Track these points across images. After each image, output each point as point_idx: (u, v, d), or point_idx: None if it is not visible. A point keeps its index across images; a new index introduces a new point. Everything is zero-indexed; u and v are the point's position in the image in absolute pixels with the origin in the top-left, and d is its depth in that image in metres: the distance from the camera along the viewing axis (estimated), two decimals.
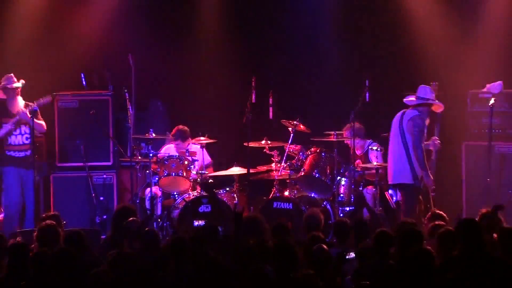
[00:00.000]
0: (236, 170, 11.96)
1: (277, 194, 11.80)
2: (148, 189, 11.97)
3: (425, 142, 11.00)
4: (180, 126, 12.42)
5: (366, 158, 12.08)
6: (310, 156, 11.87)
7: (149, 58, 13.41)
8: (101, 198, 12.23)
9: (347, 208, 11.65)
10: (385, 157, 11.77)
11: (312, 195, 11.88)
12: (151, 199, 11.69)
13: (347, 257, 7.84)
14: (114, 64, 13.06)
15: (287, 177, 11.84)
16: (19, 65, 12.56)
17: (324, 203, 11.68)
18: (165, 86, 13.78)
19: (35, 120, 11.69)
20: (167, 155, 12.04)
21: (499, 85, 12.21)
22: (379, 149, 11.85)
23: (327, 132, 12.01)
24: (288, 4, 13.75)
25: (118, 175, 12.54)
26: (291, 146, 12.01)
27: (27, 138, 11.74)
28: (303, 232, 9.21)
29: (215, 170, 12.41)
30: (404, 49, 13.18)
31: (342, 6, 13.50)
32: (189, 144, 12.38)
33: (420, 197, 10.97)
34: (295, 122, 11.97)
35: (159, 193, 12.07)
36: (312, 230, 8.72)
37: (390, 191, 11.76)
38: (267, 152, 12.10)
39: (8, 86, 11.79)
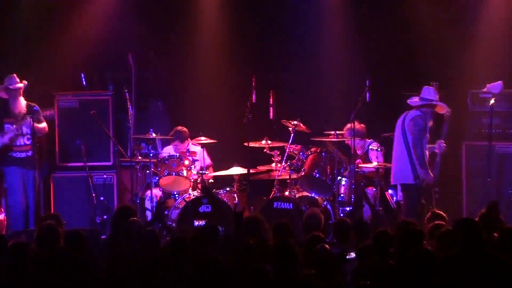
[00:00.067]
0: (236, 170, 11.96)
1: (278, 194, 11.80)
2: (149, 191, 11.97)
3: (431, 145, 11.00)
4: (179, 127, 12.43)
5: (366, 157, 12.08)
6: (310, 156, 11.87)
7: (149, 58, 13.41)
8: (101, 198, 12.23)
9: (348, 208, 11.65)
10: (385, 157, 11.79)
11: (313, 195, 11.89)
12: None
13: (347, 257, 7.84)
14: (114, 64, 13.07)
15: (288, 177, 11.84)
16: (19, 65, 12.56)
17: (325, 203, 11.69)
18: (165, 86, 13.78)
19: (36, 125, 11.68)
20: (167, 154, 12.05)
21: (499, 85, 12.21)
22: (379, 149, 11.85)
23: (327, 132, 12.02)
24: (288, 4, 13.75)
25: (118, 175, 12.54)
26: (291, 146, 12.02)
27: (28, 139, 11.73)
28: (303, 232, 9.21)
29: (215, 170, 12.41)
30: (404, 49, 13.18)
31: (342, 6, 13.51)
32: (188, 144, 12.39)
33: (423, 200, 10.97)
34: (295, 122, 11.98)
35: (160, 194, 12.08)
36: (312, 230, 8.72)
37: (390, 191, 11.77)
38: (268, 152, 12.11)
39: (11, 86, 11.77)
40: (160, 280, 7.27)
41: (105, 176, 12.45)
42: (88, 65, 13.09)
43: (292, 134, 11.96)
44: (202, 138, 12.19)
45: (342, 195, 11.77)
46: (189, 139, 12.43)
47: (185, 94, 13.63)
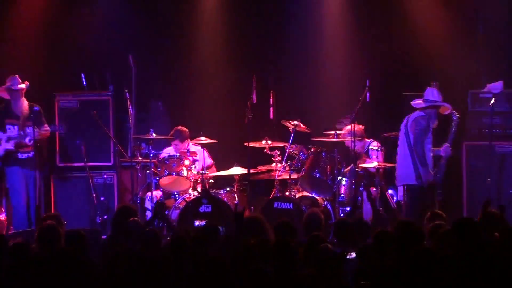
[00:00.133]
0: (236, 170, 11.96)
1: (278, 194, 11.80)
2: (149, 193, 11.97)
3: (436, 148, 11.00)
4: (179, 127, 12.43)
5: (366, 157, 12.08)
6: (310, 156, 11.87)
7: (149, 58, 13.41)
8: (102, 198, 12.24)
9: (348, 208, 11.65)
10: (385, 157, 11.78)
11: (313, 195, 11.89)
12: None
13: (347, 257, 7.83)
14: (114, 64, 13.07)
15: (288, 177, 11.84)
16: (19, 65, 12.56)
17: (325, 203, 11.69)
18: (165, 86, 13.78)
19: (39, 131, 11.67)
20: (167, 154, 12.05)
21: (499, 85, 12.21)
22: (379, 149, 11.85)
23: (327, 132, 12.02)
24: (288, 4, 13.75)
25: (119, 175, 12.55)
26: (291, 146, 12.02)
27: (29, 140, 11.73)
28: (303, 232, 9.21)
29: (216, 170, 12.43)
30: (404, 49, 13.18)
31: (342, 6, 13.51)
32: (188, 144, 12.39)
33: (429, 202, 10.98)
34: (295, 122, 11.98)
35: (160, 194, 12.09)
36: (313, 230, 8.71)
37: (390, 191, 11.76)
38: (268, 152, 12.11)
39: (13, 87, 11.76)
40: (160, 280, 7.27)
41: (105, 176, 12.46)
42: (88, 65, 13.09)
43: (292, 134, 11.96)
44: (202, 138, 12.20)
45: (342, 195, 11.78)
46: (189, 139, 12.43)
47: (185, 94, 13.64)
